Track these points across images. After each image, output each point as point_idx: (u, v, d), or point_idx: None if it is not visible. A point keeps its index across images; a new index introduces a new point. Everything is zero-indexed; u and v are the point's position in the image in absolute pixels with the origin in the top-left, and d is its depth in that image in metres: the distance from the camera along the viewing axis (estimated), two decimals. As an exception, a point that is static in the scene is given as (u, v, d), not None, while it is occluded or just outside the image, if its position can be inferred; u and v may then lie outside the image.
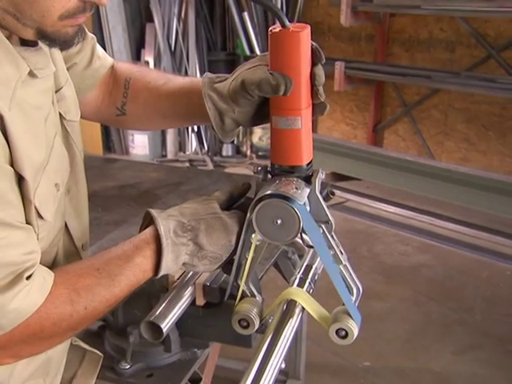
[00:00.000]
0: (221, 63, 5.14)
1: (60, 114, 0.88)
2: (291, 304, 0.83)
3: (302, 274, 0.92)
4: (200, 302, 1.04)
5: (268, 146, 6.01)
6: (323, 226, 0.79)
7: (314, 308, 0.82)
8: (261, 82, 0.79)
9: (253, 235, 0.81)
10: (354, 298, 0.81)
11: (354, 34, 4.80)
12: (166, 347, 1.12)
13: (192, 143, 5.31)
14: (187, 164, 5.12)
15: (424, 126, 4.57)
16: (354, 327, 0.78)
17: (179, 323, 1.05)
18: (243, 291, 0.84)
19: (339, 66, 4.19)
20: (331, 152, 4.21)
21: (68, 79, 0.93)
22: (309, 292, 0.89)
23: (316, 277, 0.95)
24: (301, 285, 0.90)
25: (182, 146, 5.36)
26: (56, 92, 0.87)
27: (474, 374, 2.43)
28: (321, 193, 0.82)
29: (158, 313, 0.86)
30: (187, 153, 5.34)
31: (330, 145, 4.24)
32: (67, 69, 0.96)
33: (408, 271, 3.27)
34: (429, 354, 2.56)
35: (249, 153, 5.23)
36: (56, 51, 0.86)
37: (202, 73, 5.09)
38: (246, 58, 4.93)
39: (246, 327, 0.83)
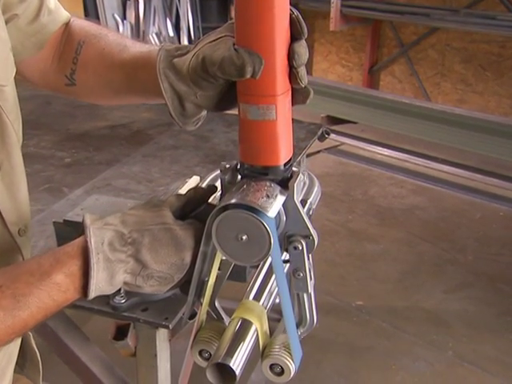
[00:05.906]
0: (213, 2, 4.96)
1: None
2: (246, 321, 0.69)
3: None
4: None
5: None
6: (303, 243, 0.64)
7: (262, 331, 0.69)
8: (223, 61, 0.62)
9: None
10: (302, 331, 0.70)
11: (350, -29, 4.64)
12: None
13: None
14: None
15: (421, 67, 4.49)
16: (291, 364, 0.66)
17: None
18: (208, 313, 0.71)
19: (335, 4, 4.07)
20: (326, 95, 4.15)
21: None
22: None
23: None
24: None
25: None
26: None
27: (465, 311, 2.48)
28: (303, 204, 0.67)
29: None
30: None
31: (324, 87, 4.17)
32: (6, 21, 0.79)
33: (402, 213, 3.29)
34: (420, 293, 2.61)
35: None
36: None
37: (193, 14, 4.91)
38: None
39: (208, 359, 0.67)
